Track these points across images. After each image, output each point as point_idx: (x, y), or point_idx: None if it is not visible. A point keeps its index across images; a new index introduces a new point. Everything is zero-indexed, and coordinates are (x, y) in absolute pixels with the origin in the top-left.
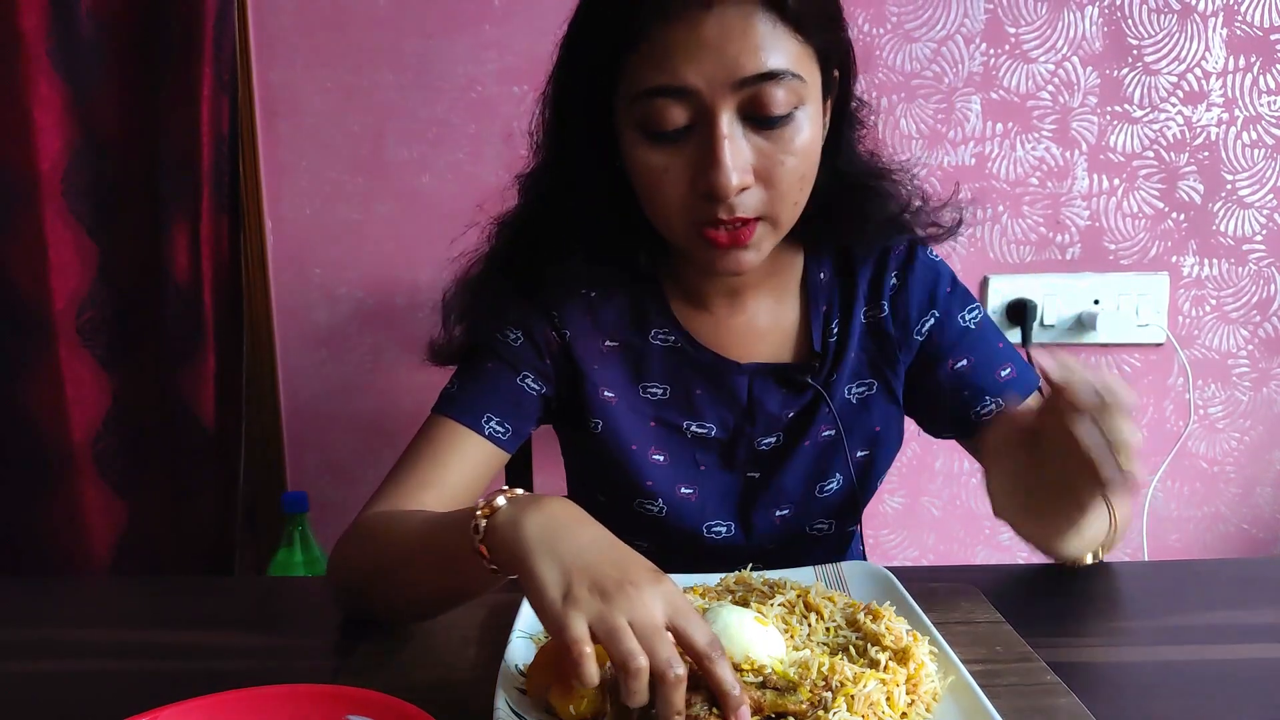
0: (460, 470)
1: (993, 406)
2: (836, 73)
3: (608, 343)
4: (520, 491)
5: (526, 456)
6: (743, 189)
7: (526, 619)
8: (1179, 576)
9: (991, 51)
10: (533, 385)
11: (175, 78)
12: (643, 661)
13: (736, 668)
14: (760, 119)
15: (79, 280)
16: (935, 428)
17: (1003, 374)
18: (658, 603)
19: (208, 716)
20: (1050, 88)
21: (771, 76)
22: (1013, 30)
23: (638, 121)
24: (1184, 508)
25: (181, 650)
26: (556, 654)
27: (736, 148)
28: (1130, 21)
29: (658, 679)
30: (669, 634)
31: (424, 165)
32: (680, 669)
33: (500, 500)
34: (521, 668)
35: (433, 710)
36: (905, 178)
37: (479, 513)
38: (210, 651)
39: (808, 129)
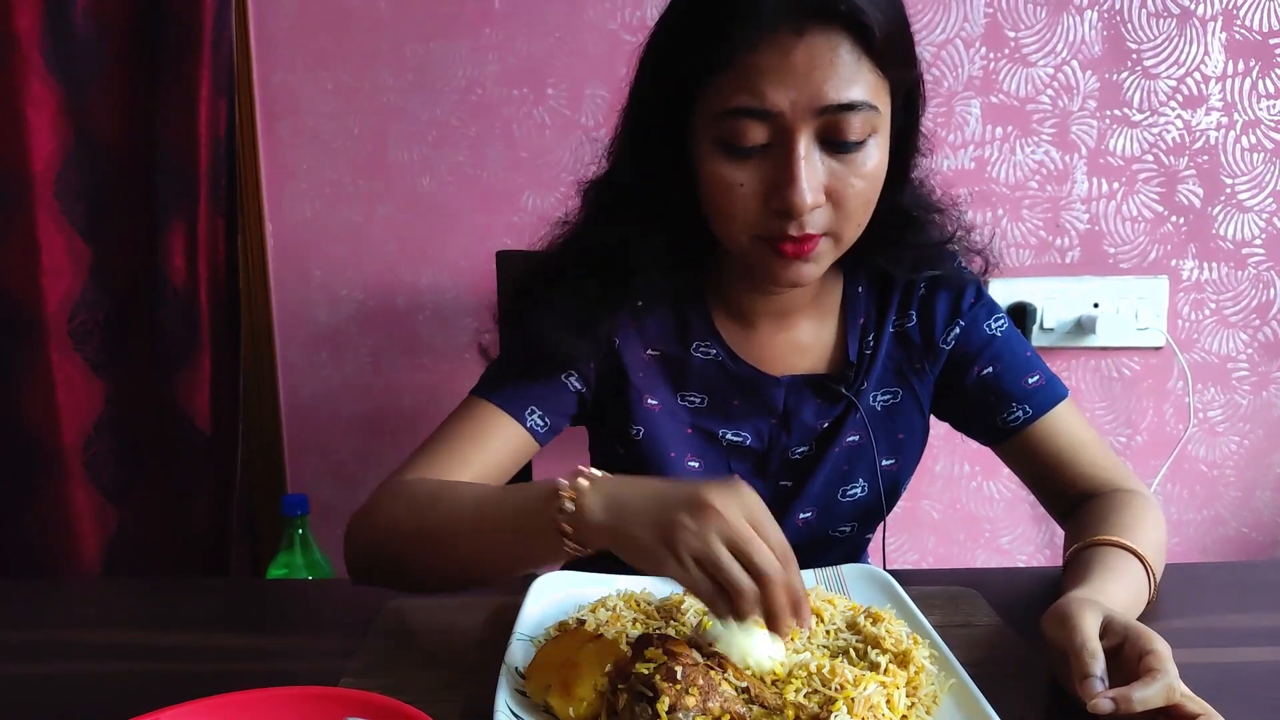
0: (498, 455)
1: (1020, 413)
2: (903, 105)
3: (650, 351)
4: (598, 472)
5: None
6: (815, 207)
7: (527, 621)
8: (1179, 580)
9: (991, 55)
10: (575, 384)
11: (172, 80)
12: (747, 584)
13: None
14: (836, 144)
15: (71, 283)
16: (969, 433)
17: (1030, 381)
18: (739, 507)
19: (208, 719)
20: (1050, 91)
21: (851, 107)
22: (1012, 34)
23: (718, 137)
24: (1183, 511)
25: (182, 652)
26: (556, 655)
27: (812, 168)
28: (1129, 25)
29: (765, 584)
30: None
31: (425, 167)
32: (777, 567)
33: (582, 482)
34: (521, 669)
35: (432, 712)
36: (953, 215)
37: (564, 494)
38: (211, 654)
39: (877, 156)
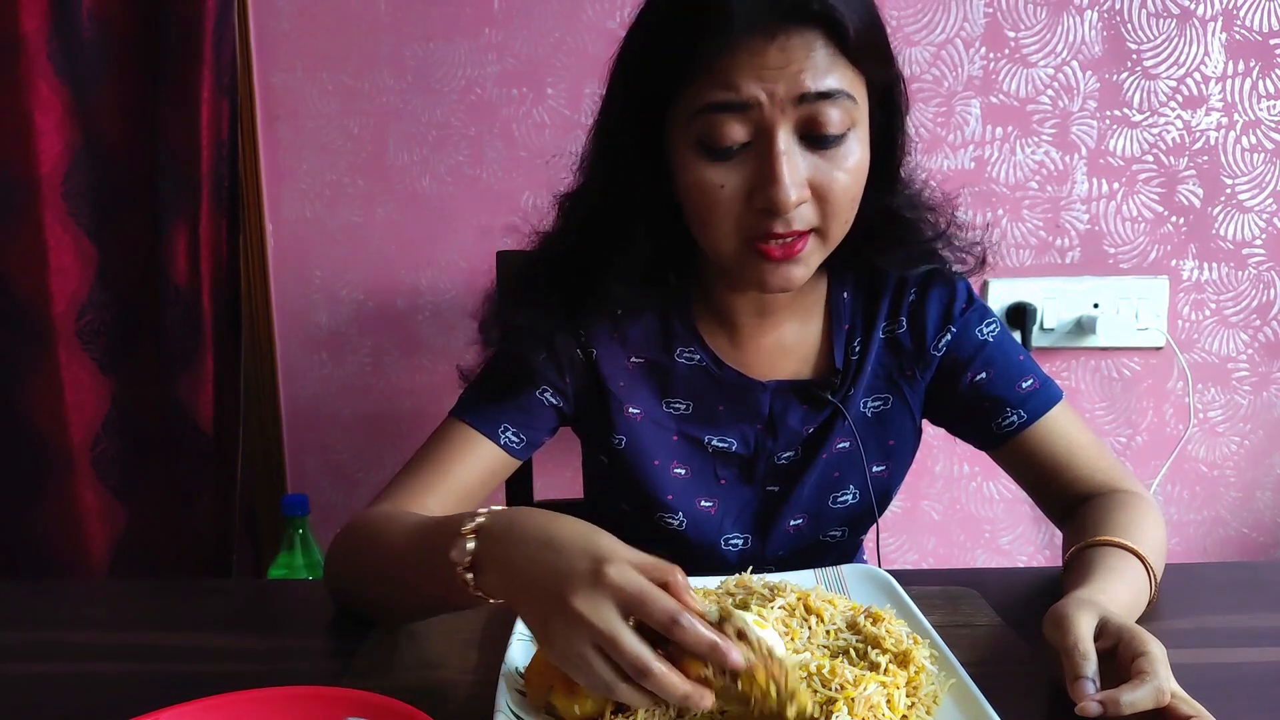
0: (469, 476)
1: (1014, 419)
2: (880, 103)
3: (633, 359)
4: (481, 519)
5: (527, 460)
6: (799, 204)
7: None
8: (1179, 580)
9: (991, 55)
10: (550, 399)
11: (175, 81)
12: (621, 690)
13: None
14: (816, 137)
15: (78, 283)
16: (964, 439)
17: (1024, 385)
18: (606, 611)
19: (209, 719)
20: (1050, 92)
21: (829, 96)
22: (1012, 34)
23: (697, 138)
24: (1184, 512)
25: (183, 652)
26: None
27: (793, 164)
28: (1129, 26)
29: (638, 679)
30: (625, 635)
31: (424, 168)
32: (650, 665)
33: (470, 545)
34: (522, 670)
35: (433, 712)
36: (945, 214)
37: (460, 568)
38: (212, 653)
39: (859, 151)
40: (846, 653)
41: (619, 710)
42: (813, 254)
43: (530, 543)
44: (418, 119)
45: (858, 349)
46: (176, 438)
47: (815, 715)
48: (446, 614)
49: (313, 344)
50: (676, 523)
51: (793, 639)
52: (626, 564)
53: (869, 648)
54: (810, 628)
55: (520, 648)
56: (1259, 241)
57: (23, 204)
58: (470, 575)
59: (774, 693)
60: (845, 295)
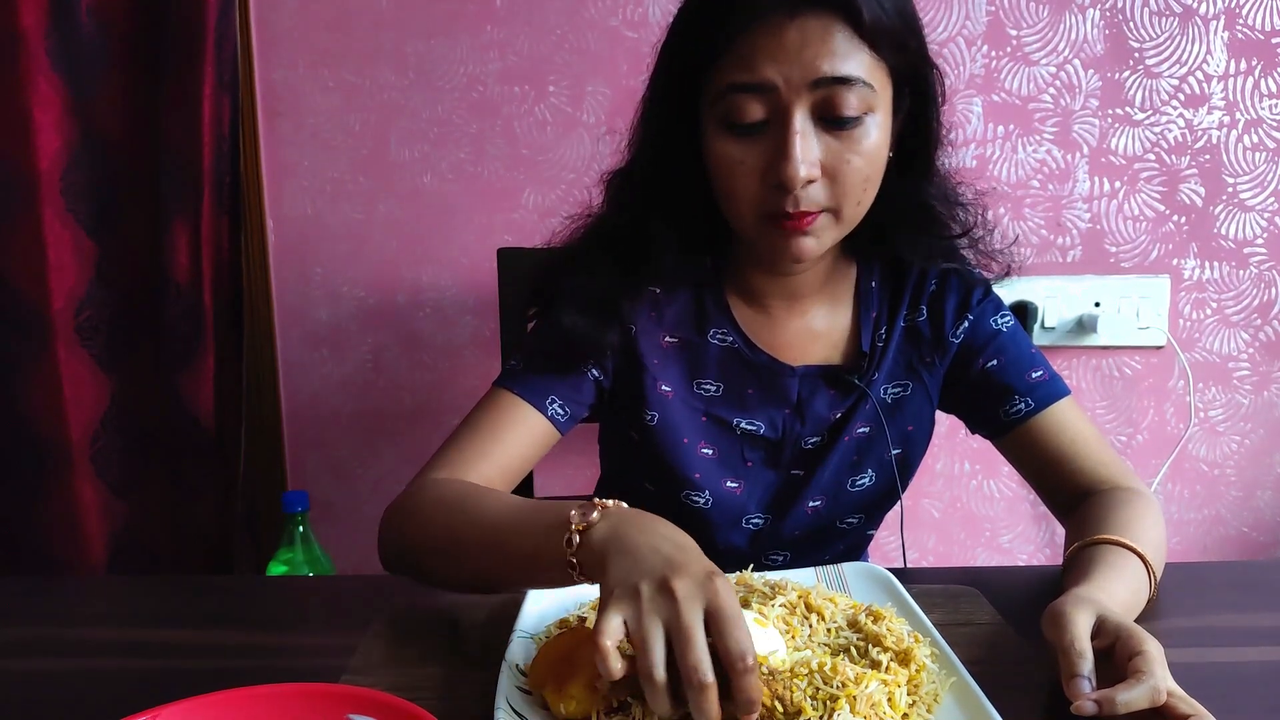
0: (519, 446)
1: (1022, 406)
2: (909, 92)
3: (668, 338)
4: (610, 504)
5: None
6: (809, 181)
7: (527, 619)
8: (1179, 579)
9: (993, 54)
10: (595, 373)
11: (176, 77)
12: (659, 676)
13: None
14: (831, 119)
15: (77, 280)
16: (972, 426)
17: (1033, 375)
18: (696, 605)
19: (209, 715)
20: (1052, 90)
21: (844, 81)
22: (1014, 33)
23: (721, 115)
24: (1184, 511)
25: (183, 649)
26: (554, 653)
27: (807, 144)
28: (1131, 24)
29: (685, 683)
30: (701, 638)
31: (426, 165)
32: (707, 677)
33: (594, 516)
34: (522, 667)
35: (433, 709)
36: (974, 213)
37: (574, 527)
38: (211, 650)
39: (875, 135)
40: (847, 651)
41: (610, 713)
42: (825, 230)
43: (655, 534)
44: (419, 116)
45: (883, 336)
46: (177, 434)
47: None
48: (483, 594)
49: (313, 340)
50: (702, 501)
51: (794, 637)
52: (734, 590)
53: (870, 646)
54: (811, 626)
55: (520, 645)
56: (1260, 241)
57: (21, 200)
58: (578, 537)
59: (779, 710)
60: (874, 283)
